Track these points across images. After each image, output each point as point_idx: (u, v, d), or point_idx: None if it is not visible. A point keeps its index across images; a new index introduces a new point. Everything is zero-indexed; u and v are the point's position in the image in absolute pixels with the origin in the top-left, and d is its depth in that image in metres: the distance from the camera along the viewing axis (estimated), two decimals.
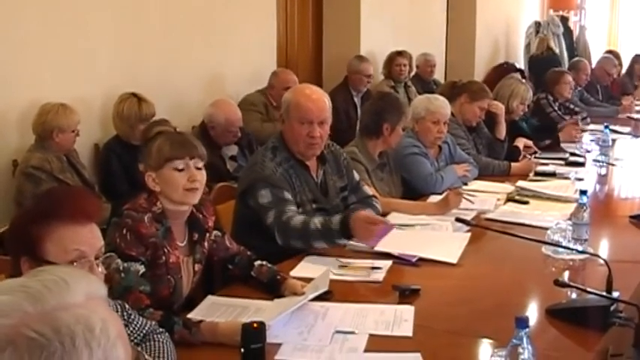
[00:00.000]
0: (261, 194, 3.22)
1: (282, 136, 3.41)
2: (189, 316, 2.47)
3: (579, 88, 8.03)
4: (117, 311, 2.05)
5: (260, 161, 3.33)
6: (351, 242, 3.21)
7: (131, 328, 2.09)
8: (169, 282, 2.57)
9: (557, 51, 10.78)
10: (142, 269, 2.44)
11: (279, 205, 3.20)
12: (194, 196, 2.62)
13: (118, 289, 2.36)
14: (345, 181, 3.56)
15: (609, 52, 10.11)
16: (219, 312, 2.54)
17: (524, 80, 6.36)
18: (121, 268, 2.40)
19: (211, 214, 2.79)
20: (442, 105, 4.51)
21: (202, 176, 2.63)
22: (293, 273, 2.93)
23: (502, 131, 5.29)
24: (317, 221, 3.15)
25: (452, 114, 4.69)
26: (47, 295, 1.01)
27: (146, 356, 1.22)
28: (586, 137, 6.32)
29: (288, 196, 3.24)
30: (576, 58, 9.11)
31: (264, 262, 2.84)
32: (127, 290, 2.37)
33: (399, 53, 7.74)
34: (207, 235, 2.76)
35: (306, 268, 3.00)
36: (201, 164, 2.64)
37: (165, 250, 2.54)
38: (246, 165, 3.55)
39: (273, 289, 2.71)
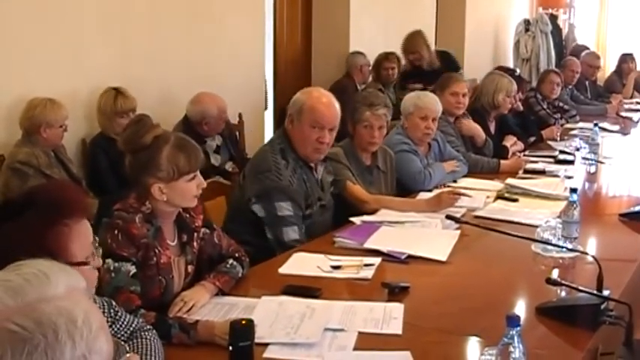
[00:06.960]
0: (281, 206, 3.24)
1: (287, 137, 3.40)
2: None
3: (570, 86, 8.04)
4: (102, 308, 2.03)
5: (275, 168, 3.30)
6: (340, 239, 3.20)
7: (118, 326, 2.06)
8: (160, 282, 2.53)
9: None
10: (132, 270, 2.41)
11: (299, 222, 3.28)
12: (197, 200, 2.64)
13: (107, 288, 2.33)
14: (332, 175, 3.60)
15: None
16: (206, 310, 2.51)
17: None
18: (112, 268, 2.38)
19: (199, 213, 2.74)
20: (431, 101, 4.49)
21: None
22: (282, 270, 2.92)
23: (479, 139, 5.26)
24: None
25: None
26: (28, 288, 1.00)
27: (126, 347, 1.21)
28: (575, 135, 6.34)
29: (302, 211, 3.32)
30: (567, 57, 9.09)
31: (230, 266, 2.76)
32: (117, 290, 2.34)
33: (387, 57, 7.63)
34: (196, 234, 2.72)
35: (294, 265, 2.98)
36: None
37: (157, 251, 2.51)
38: (254, 165, 3.39)
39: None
